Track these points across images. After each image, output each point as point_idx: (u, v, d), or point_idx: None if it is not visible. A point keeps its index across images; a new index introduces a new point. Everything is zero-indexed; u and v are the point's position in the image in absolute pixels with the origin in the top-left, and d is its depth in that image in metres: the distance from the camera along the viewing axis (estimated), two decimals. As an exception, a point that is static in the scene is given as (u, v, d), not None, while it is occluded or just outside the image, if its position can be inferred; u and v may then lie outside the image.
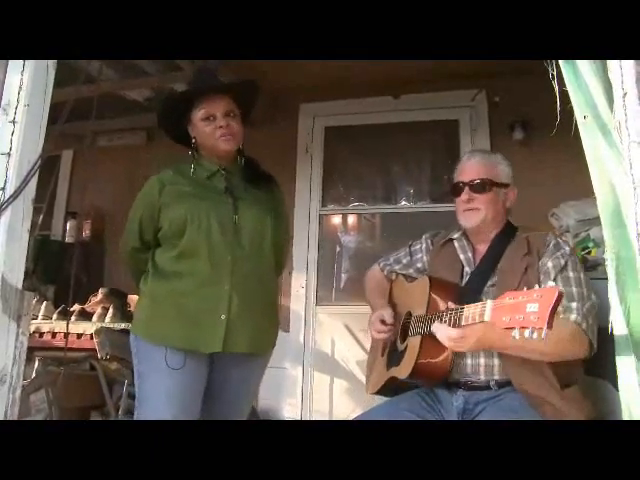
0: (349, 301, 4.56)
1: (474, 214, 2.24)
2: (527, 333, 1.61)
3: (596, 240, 3.05)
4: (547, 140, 2.34)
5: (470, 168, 2.30)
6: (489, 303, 1.79)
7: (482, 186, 2.24)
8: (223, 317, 2.21)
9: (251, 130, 4.58)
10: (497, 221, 2.26)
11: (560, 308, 1.93)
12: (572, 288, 2.03)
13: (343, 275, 4.95)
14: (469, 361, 2.11)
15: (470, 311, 1.88)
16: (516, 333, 1.65)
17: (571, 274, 2.06)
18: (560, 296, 1.58)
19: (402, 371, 2.16)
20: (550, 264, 2.07)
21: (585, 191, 1.60)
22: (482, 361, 2.10)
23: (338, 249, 4.95)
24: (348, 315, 4.49)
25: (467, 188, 2.25)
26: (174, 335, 2.22)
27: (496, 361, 2.08)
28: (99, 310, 3.97)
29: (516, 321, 1.64)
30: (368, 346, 4.20)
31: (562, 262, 2.07)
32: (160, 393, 2.18)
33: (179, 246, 2.26)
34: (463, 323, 1.91)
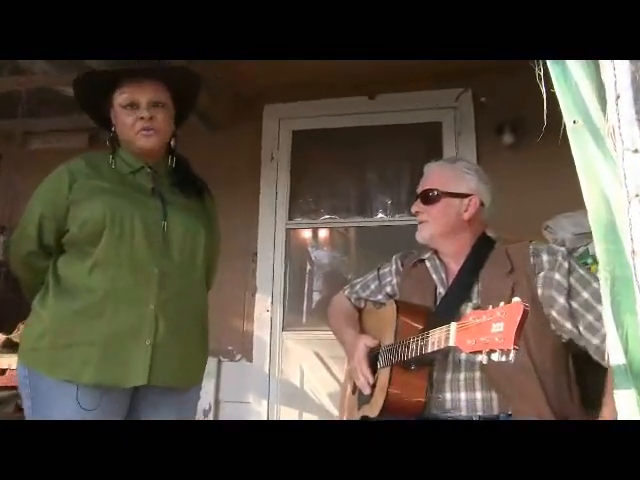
0: (320, 326, 4.49)
1: (423, 227, 2.34)
2: (495, 356, 1.65)
3: (596, 256, 3.08)
4: (540, 144, 2.36)
5: (424, 179, 2.40)
6: (453, 326, 1.83)
7: (428, 197, 2.31)
8: (148, 343, 2.06)
9: (210, 135, 4.65)
10: (455, 234, 2.30)
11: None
12: (584, 294, 2.07)
13: (314, 296, 4.94)
14: (448, 395, 2.12)
15: (435, 336, 1.93)
16: (483, 358, 1.68)
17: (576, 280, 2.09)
18: (525, 312, 1.62)
19: (373, 408, 2.16)
20: (558, 276, 2.10)
21: (583, 201, 1.62)
22: (463, 395, 2.11)
23: (308, 267, 4.94)
24: (319, 341, 4.47)
25: (418, 200, 2.35)
26: (84, 367, 2.01)
27: (478, 395, 2.09)
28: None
29: (481, 344, 1.69)
30: (342, 377, 4.22)
31: (566, 265, 2.10)
32: None
33: (93, 255, 2.07)
34: (429, 350, 1.95)
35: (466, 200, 2.29)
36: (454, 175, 2.33)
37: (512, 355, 1.62)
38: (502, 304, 1.70)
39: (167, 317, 2.10)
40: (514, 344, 1.60)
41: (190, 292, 2.21)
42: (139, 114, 2.17)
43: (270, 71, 4.12)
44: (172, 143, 2.30)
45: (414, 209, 2.36)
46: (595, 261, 3.07)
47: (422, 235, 2.33)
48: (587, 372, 2.11)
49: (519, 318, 1.61)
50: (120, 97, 2.20)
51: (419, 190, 2.36)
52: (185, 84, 2.31)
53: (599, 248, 1.53)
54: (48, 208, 2.16)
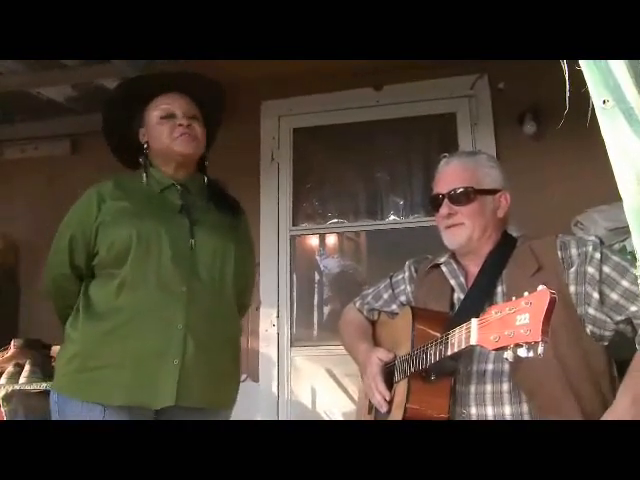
0: (332, 341, 4.46)
1: (458, 230, 2.27)
2: (522, 352, 1.63)
3: (634, 252, 3.05)
4: (566, 132, 2.32)
5: (447, 176, 2.34)
6: (474, 323, 1.81)
7: (464, 196, 2.26)
8: (176, 362, 2.17)
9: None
10: (489, 235, 2.28)
11: None
12: (623, 282, 2.04)
13: (324, 308, 4.92)
14: (474, 410, 2.10)
15: (455, 337, 1.91)
16: (508, 354, 1.65)
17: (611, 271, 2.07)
18: (553, 300, 1.60)
19: None
20: (590, 269, 2.08)
21: (616, 193, 1.59)
22: (490, 410, 2.08)
23: (316, 277, 4.95)
24: (331, 358, 4.45)
25: (446, 200, 2.28)
26: (114, 389, 2.15)
27: (507, 409, 2.07)
28: (10, 368, 3.79)
29: (506, 339, 1.67)
30: (357, 396, 4.19)
31: (598, 256, 2.07)
32: None
33: (119, 275, 2.21)
34: (449, 352, 1.93)
35: (497, 196, 2.29)
36: (481, 170, 2.31)
37: (541, 349, 1.59)
38: (526, 293, 1.67)
39: (196, 337, 2.21)
40: (542, 336, 1.57)
41: (220, 311, 2.32)
42: (177, 121, 2.35)
43: (262, 62, 4.08)
44: (206, 164, 2.48)
45: (445, 211, 2.28)
46: (634, 258, 3.04)
47: (458, 240, 2.28)
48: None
49: (546, 307, 1.59)
50: (155, 112, 2.38)
51: (445, 189, 2.30)
52: (211, 97, 2.49)
53: (638, 243, 1.49)
54: (78, 230, 2.31)
